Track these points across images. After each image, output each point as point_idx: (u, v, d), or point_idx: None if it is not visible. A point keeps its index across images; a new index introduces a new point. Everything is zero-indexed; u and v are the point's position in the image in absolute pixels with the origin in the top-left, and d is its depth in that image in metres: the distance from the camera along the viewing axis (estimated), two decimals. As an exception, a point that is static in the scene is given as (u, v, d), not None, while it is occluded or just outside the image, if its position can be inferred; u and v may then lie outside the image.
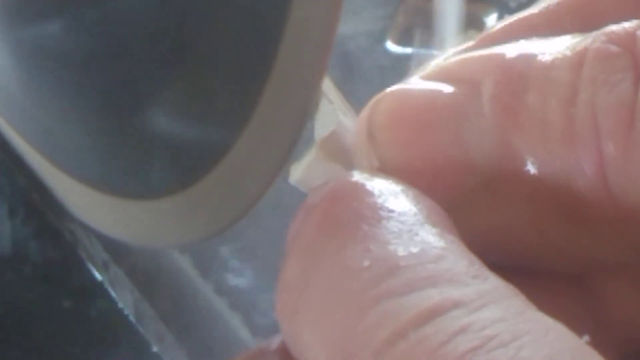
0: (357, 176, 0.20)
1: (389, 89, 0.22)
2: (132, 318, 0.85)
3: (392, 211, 0.19)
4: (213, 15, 0.22)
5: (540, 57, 0.20)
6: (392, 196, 0.19)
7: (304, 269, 0.19)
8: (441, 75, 0.21)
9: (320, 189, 0.21)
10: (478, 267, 0.18)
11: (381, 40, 0.87)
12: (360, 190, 0.20)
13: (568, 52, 0.20)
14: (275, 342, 0.21)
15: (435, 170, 0.20)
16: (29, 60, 0.26)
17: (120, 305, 0.87)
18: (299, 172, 0.23)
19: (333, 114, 0.23)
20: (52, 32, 0.25)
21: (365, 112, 0.22)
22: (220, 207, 0.24)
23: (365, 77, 0.82)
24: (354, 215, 0.19)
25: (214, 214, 0.24)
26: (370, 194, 0.19)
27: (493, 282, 0.18)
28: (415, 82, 0.21)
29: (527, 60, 0.20)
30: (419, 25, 0.85)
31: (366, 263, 0.18)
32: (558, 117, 0.19)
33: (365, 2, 0.91)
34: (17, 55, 0.26)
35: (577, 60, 0.20)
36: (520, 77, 0.20)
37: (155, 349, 0.81)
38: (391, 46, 0.87)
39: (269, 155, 0.23)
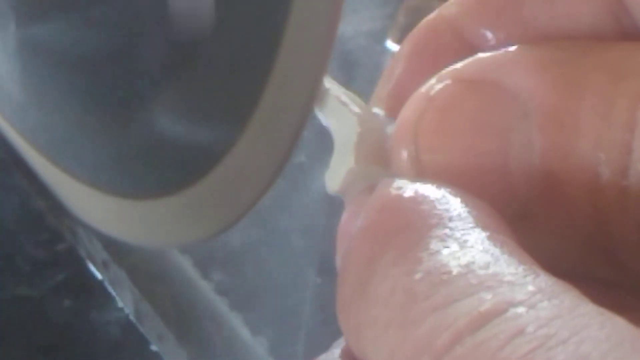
0: (403, 183, 0.20)
1: (434, 90, 0.21)
2: (132, 317, 0.86)
3: (441, 218, 0.19)
4: (214, 16, 0.22)
5: (588, 101, 0.19)
6: (440, 202, 0.19)
7: (360, 286, 0.19)
8: (484, 75, 0.21)
9: (362, 197, 0.22)
10: (529, 266, 0.18)
11: (381, 39, 0.87)
12: (408, 200, 0.19)
13: (623, 110, 0.19)
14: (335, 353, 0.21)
15: (479, 188, 0.20)
16: (29, 59, 0.26)
17: (120, 304, 0.87)
18: (337, 181, 0.22)
19: (351, 115, 0.22)
20: (53, 32, 0.25)
21: (409, 113, 0.22)
22: (220, 207, 0.24)
23: (365, 76, 0.82)
24: (404, 226, 0.19)
25: (213, 214, 0.24)
26: (417, 201, 0.19)
27: (544, 280, 0.18)
28: (463, 85, 0.21)
29: (577, 97, 0.20)
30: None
31: (418, 275, 0.18)
32: (611, 190, 0.19)
33: (366, 1, 0.91)
34: (17, 53, 0.26)
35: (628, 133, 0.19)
36: (570, 114, 0.20)
37: (155, 348, 0.81)
38: (391, 45, 0.87)
39: (269, 156, 0.23)
